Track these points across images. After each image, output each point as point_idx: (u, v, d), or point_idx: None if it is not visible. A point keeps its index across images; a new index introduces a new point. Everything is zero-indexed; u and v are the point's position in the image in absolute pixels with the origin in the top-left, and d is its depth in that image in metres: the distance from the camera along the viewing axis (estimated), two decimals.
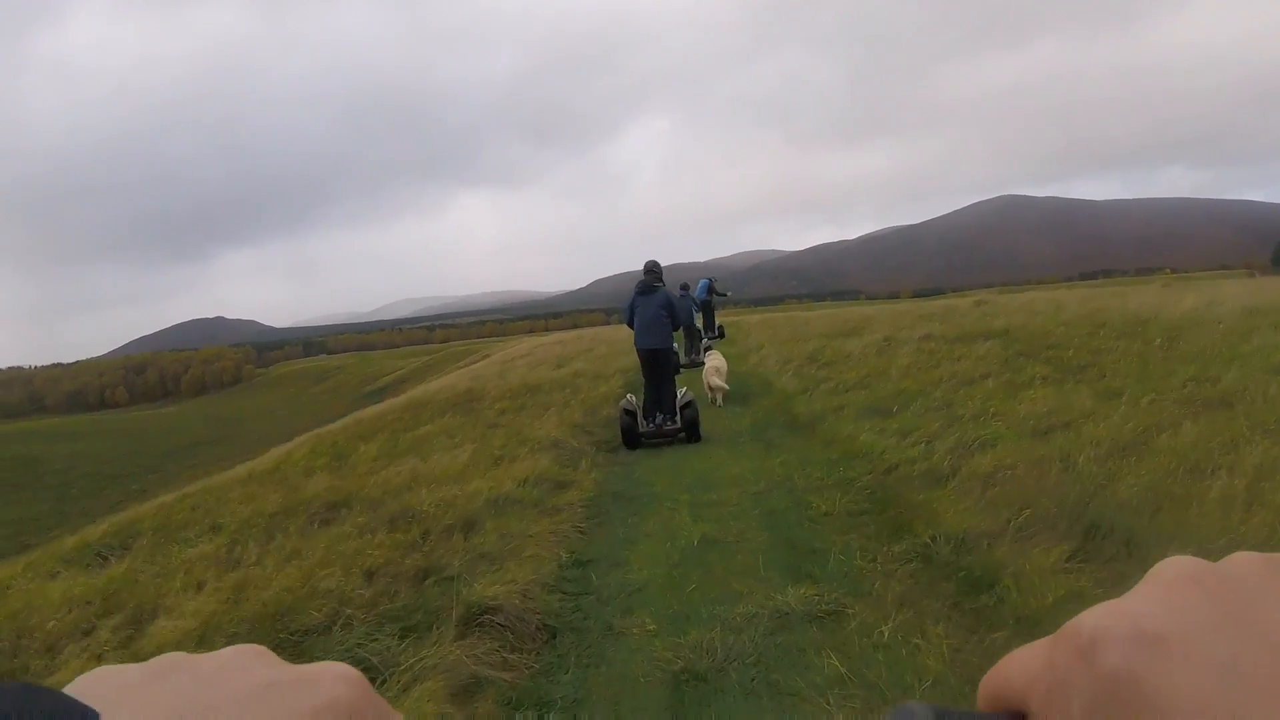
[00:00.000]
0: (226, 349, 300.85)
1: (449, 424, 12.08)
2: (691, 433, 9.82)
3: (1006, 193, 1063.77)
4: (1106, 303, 16.49)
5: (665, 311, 10.17)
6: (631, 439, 9.82)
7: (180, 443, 69.43)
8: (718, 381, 12.10)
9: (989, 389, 8.76)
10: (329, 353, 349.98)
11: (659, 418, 10.03)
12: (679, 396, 10.02)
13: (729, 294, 21.30)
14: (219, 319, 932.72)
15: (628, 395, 10.66)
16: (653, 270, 10.49)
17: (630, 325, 10.45)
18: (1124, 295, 18.47)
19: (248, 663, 0.37)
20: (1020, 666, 0.34)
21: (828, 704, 3.35)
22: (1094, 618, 0.31)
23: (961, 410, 7.82)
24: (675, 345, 10.98)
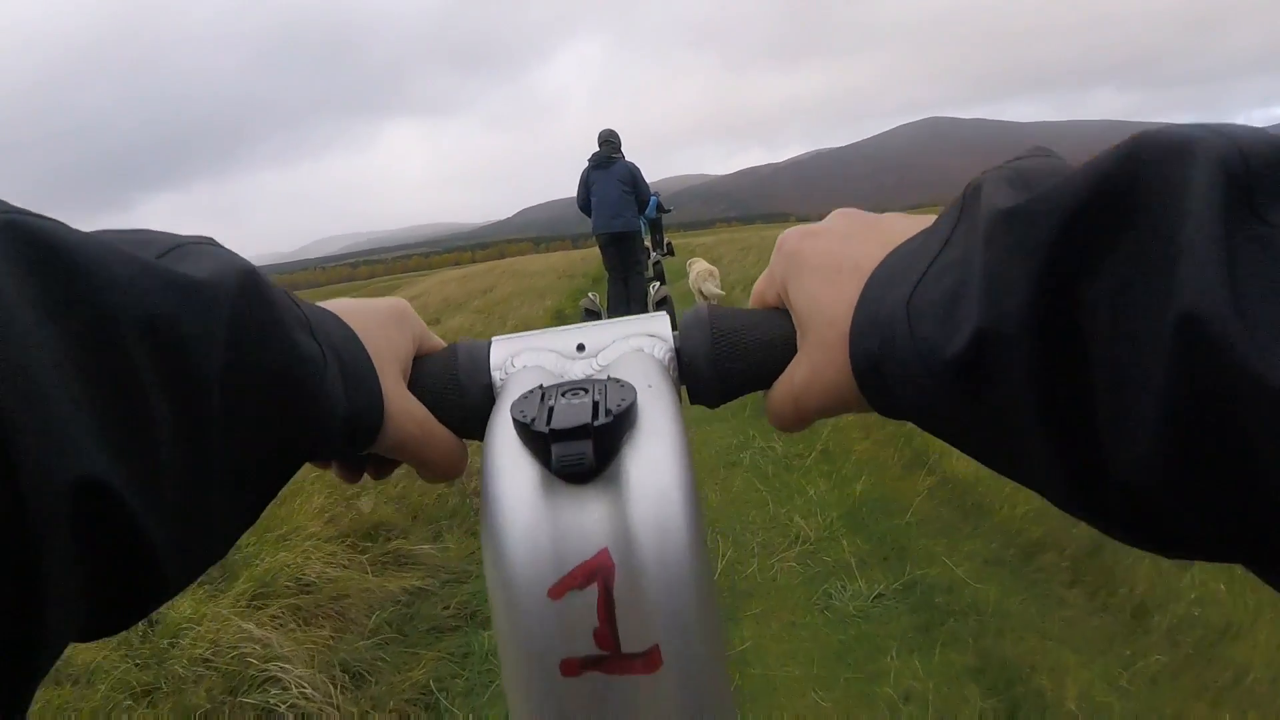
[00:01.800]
0: None
1: None
2: None
3: (934, 114, 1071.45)
4: None
5: (628, 187, 8.39)
6: None
7: None
8: (713, 288, 10.19)
9: None
10: None
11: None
12: (651, 292, 8.64)
13: (672, 209, 21.26)
14: None
15: (589, 294, 8.77)
16: (609, 140, 8.43)
17: (584, 209, 8.73)
18: None
19: (346, 297, 0.51)
20: (760, 280, 0.50)
21: None
22: (786, 231, 0.48)
23: None
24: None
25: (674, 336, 0.49)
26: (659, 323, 0.50)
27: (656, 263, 15.54)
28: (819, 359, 0.43)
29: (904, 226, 0.44)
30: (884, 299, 0.38)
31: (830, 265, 0.43)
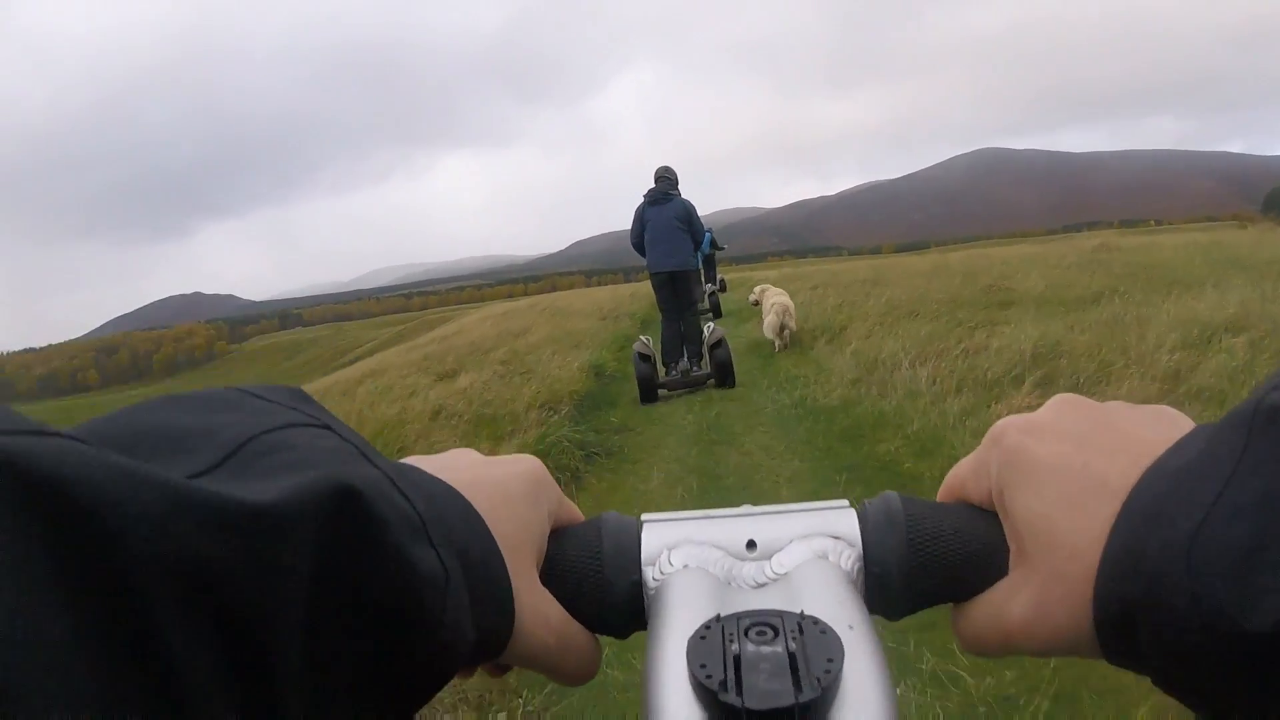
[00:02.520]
0: (198, 326, 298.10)
1: None
2: (724, 377, 8.12)
3: (987, 145, 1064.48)
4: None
5: (683, 224, 8.19)
6: (648, 390, 8.02)
7: None
8: (791, 325, 9.92)
9: None
10: (306, 324, 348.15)
11: (683, 361, 8.38)
12: (706, 333, 8.33)
13: (726, 247, 21.43)
14: (197, 294, 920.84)
15: (641, 337, 8.52)
16: (666, 177, 8.36)
17: (638, 247, 8.45)
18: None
19: (467, 452, 0.47)
20: (961, 467, 0.47)
21: None
22: (1003, 421, 0.44)
23: None
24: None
25: (860, 539, 0.45)
26: (844, 520, 0.46)
27: (711, 294, 15.65)
28: (1049, 594, 0.38)
29: (1148, 429, 0.40)
30: (1151, 537, 0.33)
31: (1070, 480, 0.38)
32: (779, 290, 10.52)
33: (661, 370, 8.34)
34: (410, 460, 0.43)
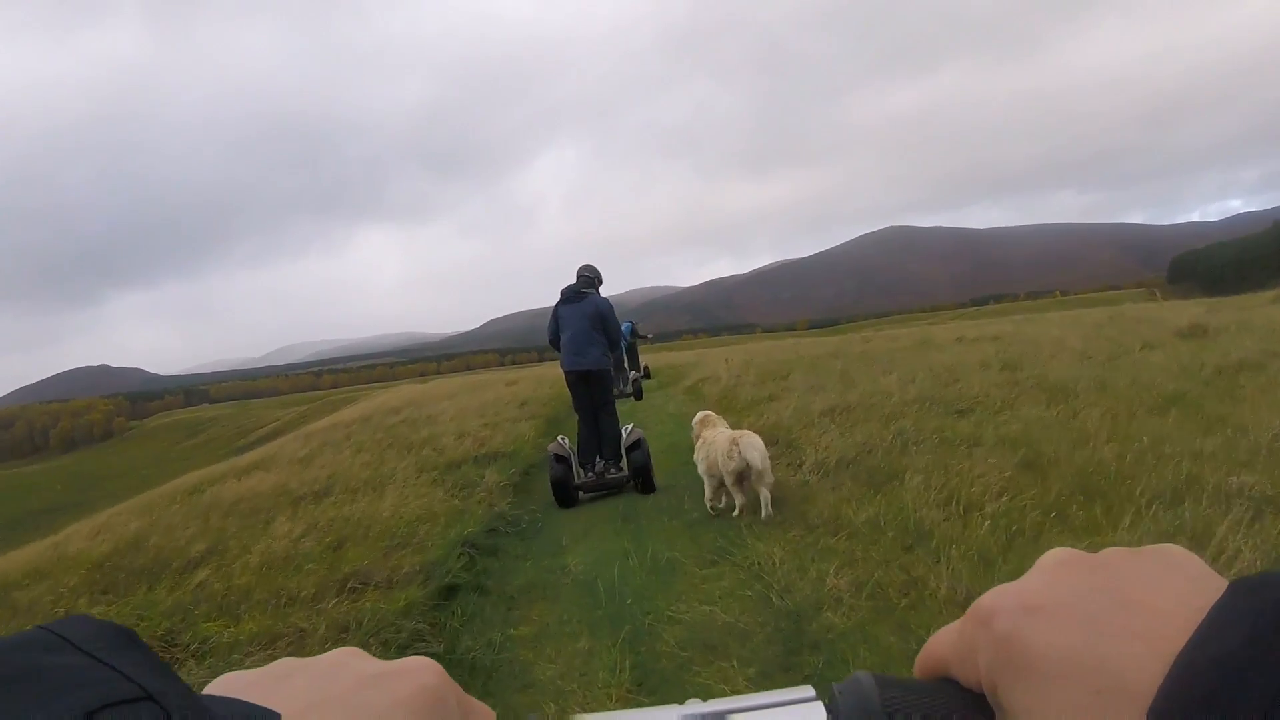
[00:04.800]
0: (98, 400, 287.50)
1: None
2: (643, 481, 7.78)
3: (892, 224, 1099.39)
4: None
5: (596, 323, 8.15)
6: (564, 493, 7.76)
7: (29, 508, 63.17)
8: (756, 459, 6.17)
9: None
10: (212, 401, 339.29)
11: (599, 463, 8.19)
12: (624, 434, 8.20)
13: (650, 336, 22.08)
14: (103, 367, 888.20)
15: (559, 437, 8.40)
16: (585, 275, 8.49)
17: (554, 344, 8.46)
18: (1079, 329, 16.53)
19: (348, 660, 0.42)
20: (943, 640, 0.42)
21: None
22: (991, 598, 0.39)
23: None
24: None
25: None
26: (811, 716, 0.41)
27: (635, 381, 16.22)
28: None
29: (1162, 594, 0.35)
30: None
31: (1082, 683, 0.33)
32: (719, 423, 7.20)
33: (579, 472, 8.10)
34: (287, 665, 0.42)
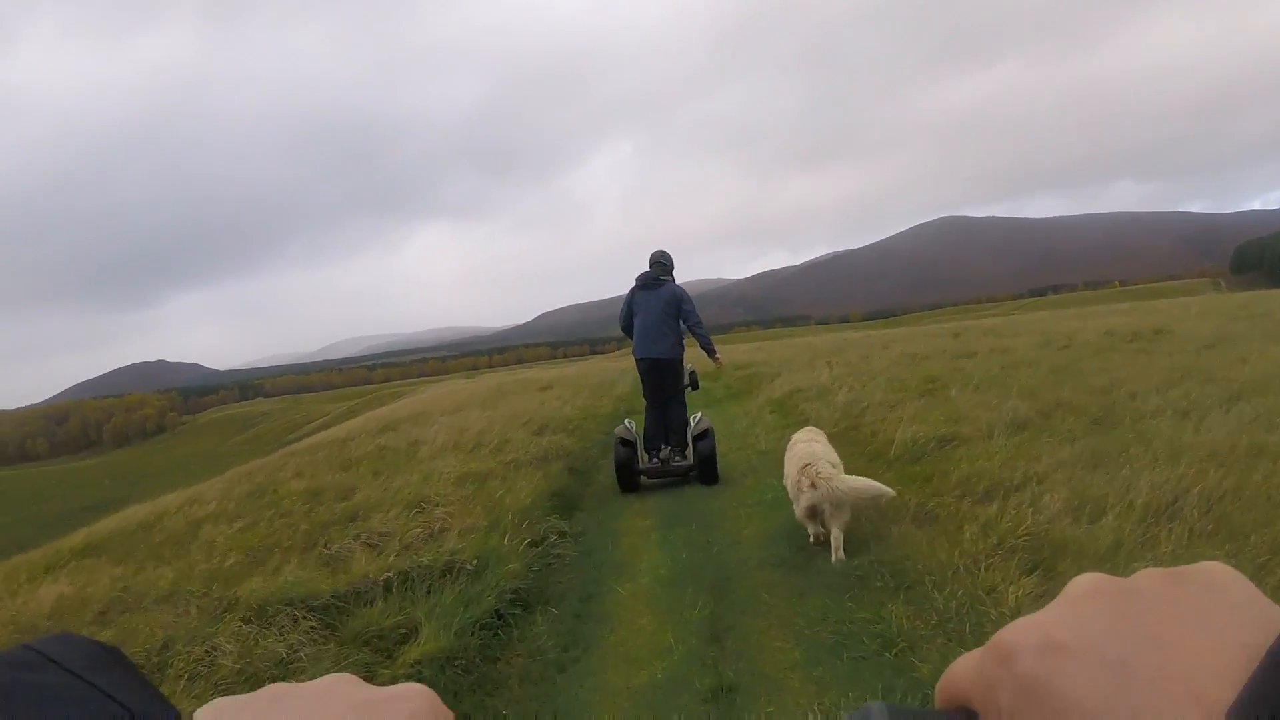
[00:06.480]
0: (150, 395, 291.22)
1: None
2: (707, 471, 7.74)
3: (947, 214, 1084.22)
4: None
5: (672, 311, 8.11)
6: (628, 478, 7.80)
7: (78, 504, 62.11)
8: (836, 482, 5.05)
9: None
10: (266, 395, 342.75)
11: (665, 450, 8.09)
12: (692, 423, 8.19)
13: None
14: (160, 363, 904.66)
15: (625, 421, 8.54)
16: (661, 262, 8.34)
17: (626, 330, 8.47)
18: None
19: (340, 686, 0.42)
20: (963, 669, 0.39)
21: None
22: (1012, 632, 0.36)
23: None
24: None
25: None
26: None
27: (691, 374, 13.02)
28: None
29: (1203, 629, 0.33)
30: None
31: None
32: (807, 435, 6.02)
33: (644, 457, 8.06)
34: (279, 690, 0.41)
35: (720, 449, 7.94)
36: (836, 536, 5.05)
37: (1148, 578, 0.35)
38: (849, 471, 5.44)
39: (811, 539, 5.43)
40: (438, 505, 6.86)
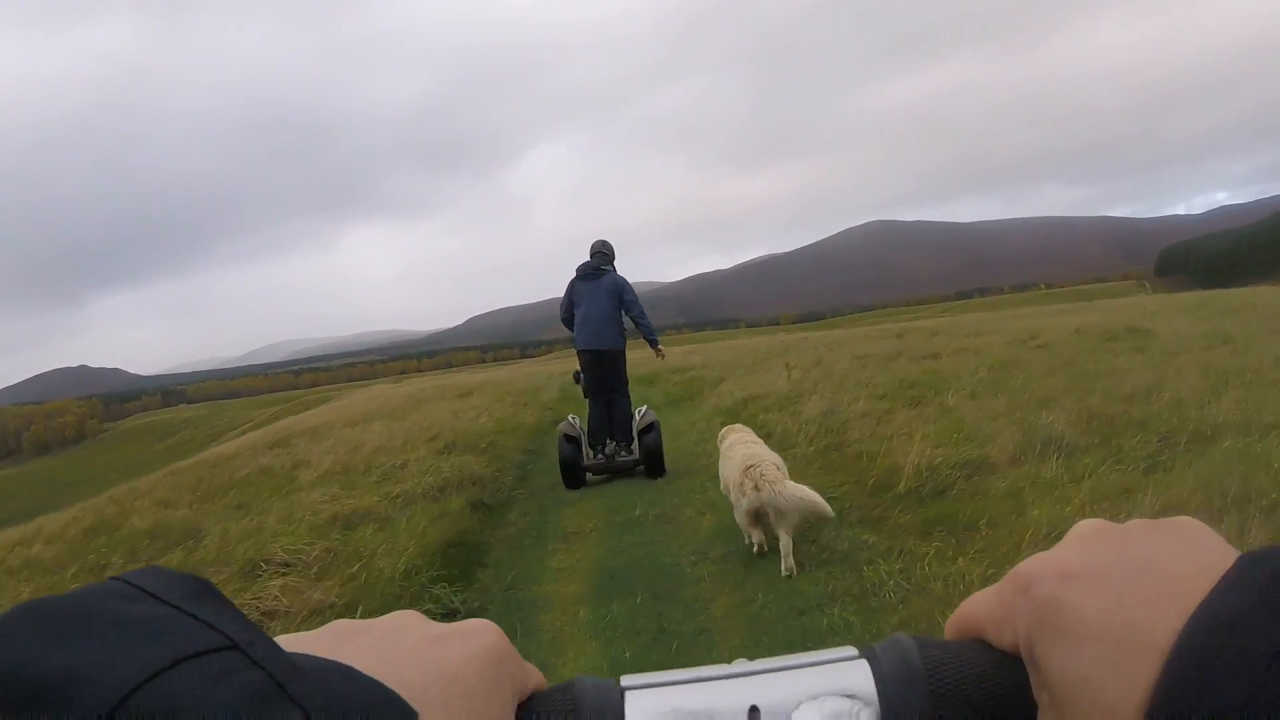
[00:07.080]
0: (71, 402, 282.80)
1: None
2: (653, 465, 7.72)
3: (877, 218, 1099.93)
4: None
5: (615, 301, 8.08)
6: (573, 475, 7.74)
7: None
8: (780, 487, 4.71)
9: None
10: (190, 401, 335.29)
11: (610, 445, 8.06)
12: (637, 417, 8.07)
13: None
14: (82, 368, 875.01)
15: (569, 416, 8.40)
16: (602, 251, 8.33)
17: (567, 323, 8.41)
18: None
19: (409, 621, 0.43)
20: (978, 603, 0.45)
21: None
22: (1030, 564, 0.42)
23: None
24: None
25: (877, 696, 0.40)
26: (856, 673, 0.41)
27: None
28: None
29: (1182, 560, 0.39)
30: (1201, 698, 0.32)
31: (1113, 640, 0.36)
32: (743, 435, 5.67)
33: (589, 453, 7.98)
34: (345, 626, 0.42)
35: (668, 467, 7.84)
36: (785, 544, 4.72)
37: (1138, 524, 0.41)
38: (853, 518, 5.57)
39: (754, 548, 5.06)
40: (281, 571, 5.40)
